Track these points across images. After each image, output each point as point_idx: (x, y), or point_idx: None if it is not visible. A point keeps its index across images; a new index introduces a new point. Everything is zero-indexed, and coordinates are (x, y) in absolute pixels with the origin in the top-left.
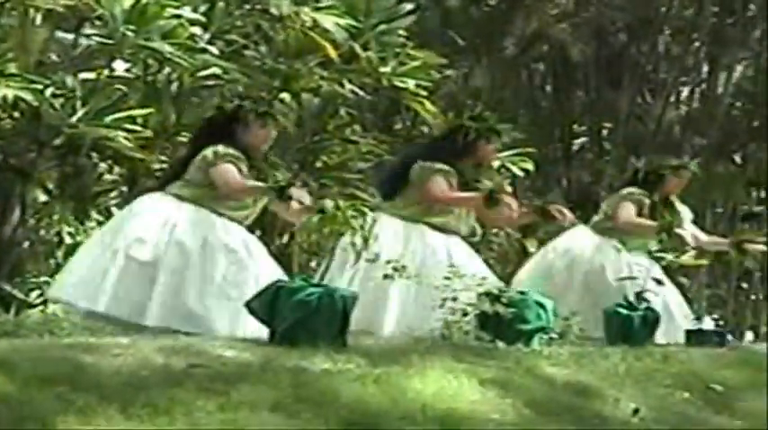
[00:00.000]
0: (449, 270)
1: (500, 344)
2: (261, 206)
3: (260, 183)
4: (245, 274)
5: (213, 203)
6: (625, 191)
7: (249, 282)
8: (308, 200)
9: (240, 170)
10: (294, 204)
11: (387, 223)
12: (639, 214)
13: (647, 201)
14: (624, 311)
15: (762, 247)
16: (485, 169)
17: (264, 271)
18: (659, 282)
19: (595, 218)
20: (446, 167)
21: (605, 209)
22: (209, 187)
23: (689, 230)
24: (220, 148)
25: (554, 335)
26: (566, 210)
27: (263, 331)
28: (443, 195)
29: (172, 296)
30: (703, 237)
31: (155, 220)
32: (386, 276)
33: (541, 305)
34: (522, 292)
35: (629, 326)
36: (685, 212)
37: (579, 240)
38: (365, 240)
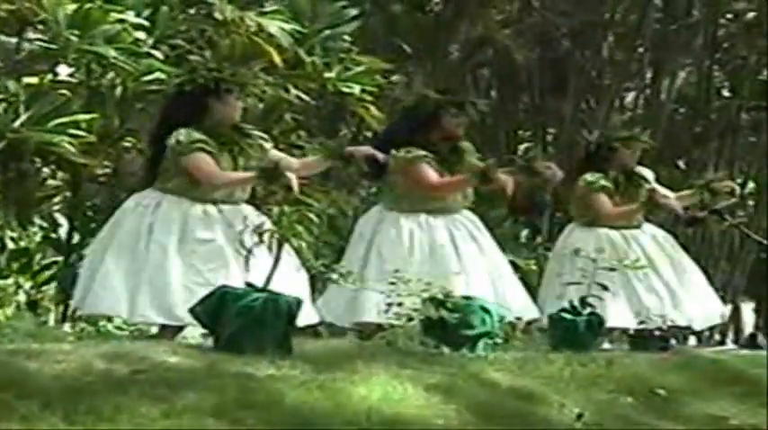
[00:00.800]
0: (395, 276)
1: (445, 350)
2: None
3: (244, 174)
4: (222, 262)
5: (195, 191)
6: (583, 183)
7: (223, 269)
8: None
9: (212, 154)
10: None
11: (387, 221)
12: (610, 197)
13: (610, 184)
14: (569, 316)
15: (727, 186)
16: (458, 144)
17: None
18: (605, 288)
19: (574, 211)
20: (421, 153)
21: (577, 203)
22: (186, 175)
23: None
24: (182, 136)
25: (498, 341)
26: (552, 165)
27: None
28: (437, 184)
29: (158, 292)
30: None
31: (136, 223)
32: (330, 280)
33: (486, 310)
34: (466, 298)
35: (574, 331)
36: (648, 175)
37: (575, 236)
38: (309, 246)
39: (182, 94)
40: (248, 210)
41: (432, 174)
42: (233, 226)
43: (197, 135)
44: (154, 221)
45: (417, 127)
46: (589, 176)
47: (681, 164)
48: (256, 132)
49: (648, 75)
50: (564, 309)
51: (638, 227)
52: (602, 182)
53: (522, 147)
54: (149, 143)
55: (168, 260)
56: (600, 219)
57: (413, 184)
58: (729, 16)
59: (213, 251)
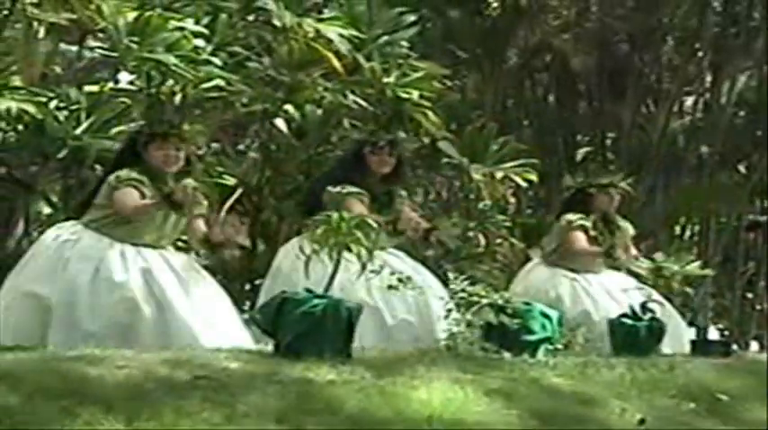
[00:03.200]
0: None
1: (505, 355)
2: (173, 225)
3: (149, 200)
4: (131, 304)
5: (116, 230)
6: (565, 221)
7: (132, 313)
8: (199, 199)
9: (143, 194)
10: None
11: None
12: (587, 237)
13: (590, 224)
14: (629, 321)
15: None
16: (392, 188)
17: (175, 304)
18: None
19: (545, 249)
20: (354, 190)
21: (553, 239)
22: (113, 213)
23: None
24: (123, 173)
25: (559, 346)
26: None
27: None
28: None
29: (67, 326)
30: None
31: (53, 258)
32: (390, 287)
33: (546, 316)
34: (527, 303)
35: (635, 336)
36: (627, 228)
37: (533, 275)
38: (369, 252)
39: (122, 146)
40: (173, 253)
41: (361, 207)
42: (151, 270)
43: (136, 175)
44: (70, 257)
45: (350, 168)
46: (570, 216)
47: (741, 168)
48: (189, 181)
49: (708, 79)
50: (624, 315)
51: (597, 273)
52: (582, 221)
53: (580, 152)
54: (92, 190)
55: (77, 297)
56: (570, 255)
57: None
58: None
59: (123, 294)
